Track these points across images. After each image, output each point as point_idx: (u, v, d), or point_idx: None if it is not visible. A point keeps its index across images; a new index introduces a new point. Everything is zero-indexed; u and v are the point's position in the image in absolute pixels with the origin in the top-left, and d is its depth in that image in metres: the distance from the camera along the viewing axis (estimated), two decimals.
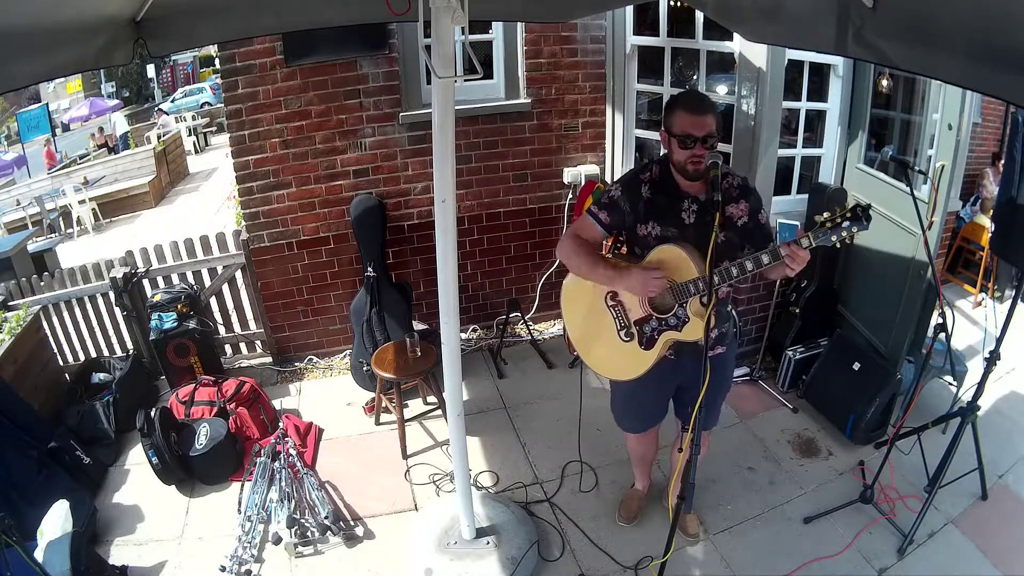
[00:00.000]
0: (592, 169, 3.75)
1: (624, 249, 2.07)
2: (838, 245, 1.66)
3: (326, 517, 2.59)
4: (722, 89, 3.49)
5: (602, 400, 3.03)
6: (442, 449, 3.08)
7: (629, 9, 3.44)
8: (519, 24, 3.38)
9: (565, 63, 3.54)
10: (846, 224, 1.61)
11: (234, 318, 3.78)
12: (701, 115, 1.77)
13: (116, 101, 18.27)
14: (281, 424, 3.16)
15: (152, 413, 2.88)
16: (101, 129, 14.62)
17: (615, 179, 2.02)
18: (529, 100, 3.55)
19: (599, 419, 2.89)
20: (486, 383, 3.59)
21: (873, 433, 2.94)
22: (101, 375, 3.50)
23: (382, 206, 3.47)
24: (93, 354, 3.85)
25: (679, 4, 3.30)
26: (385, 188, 3.52)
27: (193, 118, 14.83)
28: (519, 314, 3.92)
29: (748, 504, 2.67)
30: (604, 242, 2.07)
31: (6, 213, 10.18)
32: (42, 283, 3.82)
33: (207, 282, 3.67)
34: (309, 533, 2.55)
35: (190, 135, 14.00)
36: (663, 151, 1.95)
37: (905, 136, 3.31)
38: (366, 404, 3.42)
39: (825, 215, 1.64)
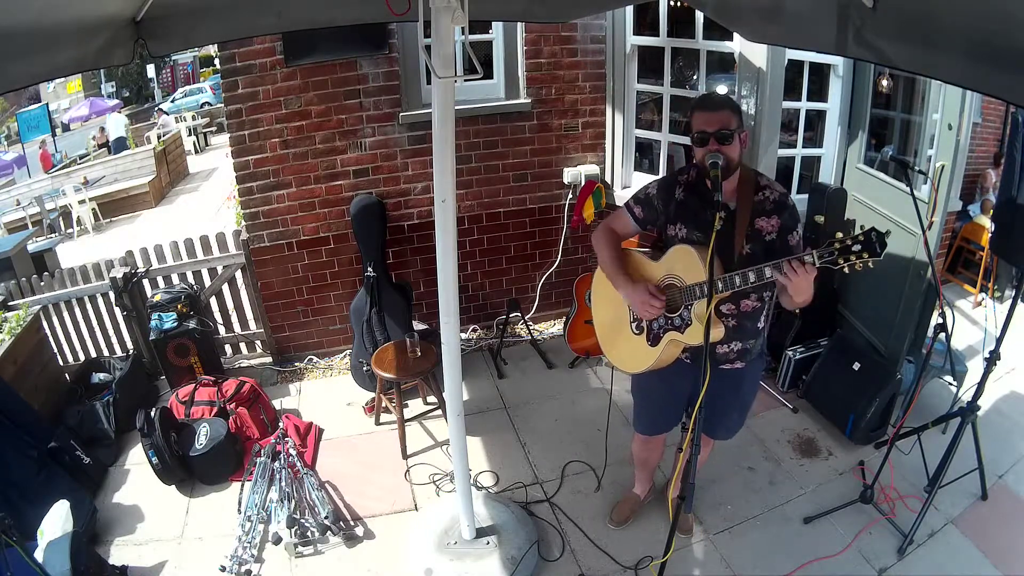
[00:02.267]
0: (592, 169, 3.75)
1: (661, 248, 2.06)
2: (845, 270, 1.55)
3: (326, 517, 2.59)
4: (722, 89, 3.48)
5: (602, 400, 3.05)
6: (442, 449, 3.08)
7: (629, 9, 3.44)
8: (519, 24, 3.38)
9: (565, 63, 3.54)
10: (857, 248, 1.52)
11: (234, 318, 3.78)
12: (713, 111, 1.78)
13: (115, 101, 18.23)
14: (281, 424, 3.16)
15: (152, 413, 2.88)
16: (102, 129, 14.59)
17: (657, 178, 2.06)
18: (529, 100, 3.55)
19: (599, 419, 2.89)
20: (486, 383, 3.59)
21: (873, 433, 2.94)
22: (101, 375, 3.51)
23: (382, 206, 3.47)
24: (93, 354, 3.85)
25: (679, 4, 3.30)
26: (385, 188, 3.52)
27: (193, 118, 14.81)
28: (519, 314, 3.92)
29: (748, 504, 2.67)
30: (636, 236, 2.10)
31: (6, 213, 10.16)
32: (42, 283, 3.81)
33: (207, 282, 3.67)
34: (309, 533, 2.55)
35: (190, 135, 13.99)
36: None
37: (905, 136, 3.31)
38: (366, 404, 3.42)
39: (838, 235, 1.56)
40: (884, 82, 3.28)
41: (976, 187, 4.66)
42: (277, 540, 2.53)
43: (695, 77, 3.50)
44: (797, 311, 3.23)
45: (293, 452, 2.95)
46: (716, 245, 1.81)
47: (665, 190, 1.95)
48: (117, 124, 13.55)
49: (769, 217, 1.84)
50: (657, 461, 2.58)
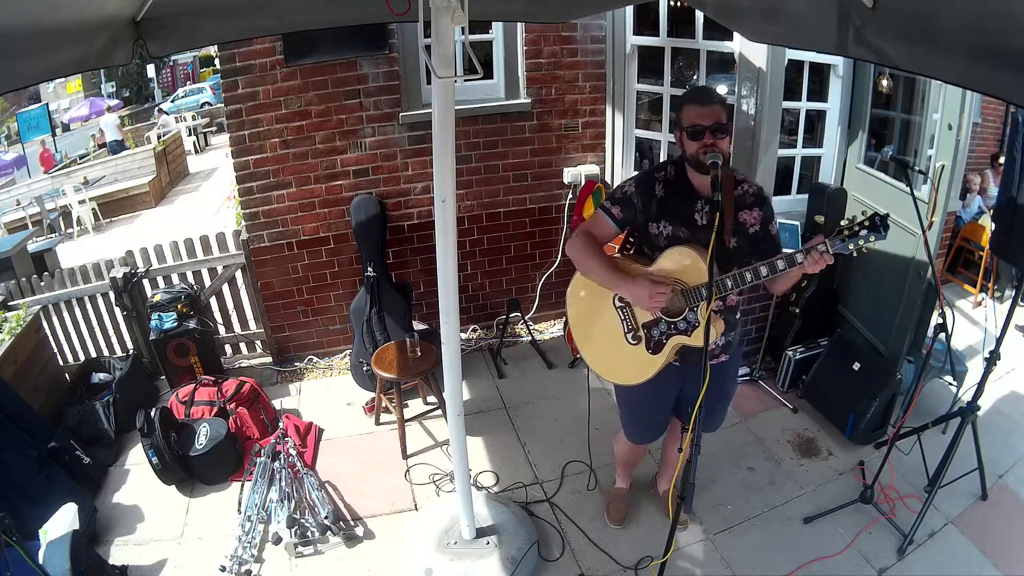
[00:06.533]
0: (592, 169, 3.75)
1: (633, 251, 2.04)
2: (855, 254, 1.65)
3: (326, 517, 2.59)
4: (722, 89, 3.47)
5: (602, 400, 3.04)
6: (442, 449, 3.08)
7: (629, 9, 3.44)
8: (519, 24, 3.38)
9: (565, 63, 3.54)
10: (864, 233, 1.61)
11: (234, 318, 3.78)
12: (708, 105, 1.78)
13: (116, 101, 18.19)
14: (281, 424, 3.16)
15: (152, 413, 2.88)
16: (102, 129, 14.57)
17: (631, 176, 2.00)
18: (529, 100, 3.55)
19: (599, 419, 2.89)
20: (486, 383, 3.59)
21: (873, 433, 2.94)
22: (101, 375, 3.50)
23: (382, 206, 3.47)
24: (93, 354, 3.85)
25: (679, 4, 3.30)
26: (385, 188, 3.52)
27: (193, 118, 14.80)
28: (519, 314, 3.92)
29: (748, 504, 2.67)
30: (616, 239, 2.06)
31: (6, 213, 10.15)
32: (42, 283, 3.81)
33: (207, 282, 3.67)
34: (309, 533, 2.55)
35: (190, 135, 13.97)
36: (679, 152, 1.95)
37: (905, 136, 3.31)
38: (366, 404, 3.42)
39: (843, 223, 1.64)
40: (884, 82, 3.28)
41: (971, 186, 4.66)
42: (277, 540, 2.53)
43: (695, 77, 3.50)
44: (797, 311, 3.28)
45: (293, 452, 2.95)
46: (705, 239, 1.83)
47: (644, 188, 1.91)
48: (108, 125, 13.45)
49: (751, 210, 1.90)
50: (639, 460, 2.61)
